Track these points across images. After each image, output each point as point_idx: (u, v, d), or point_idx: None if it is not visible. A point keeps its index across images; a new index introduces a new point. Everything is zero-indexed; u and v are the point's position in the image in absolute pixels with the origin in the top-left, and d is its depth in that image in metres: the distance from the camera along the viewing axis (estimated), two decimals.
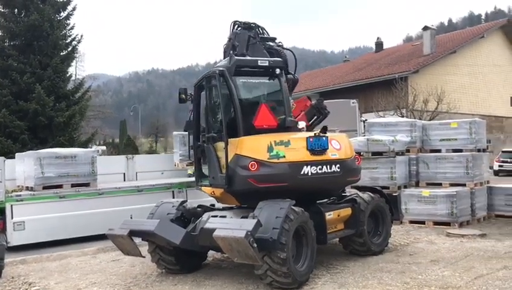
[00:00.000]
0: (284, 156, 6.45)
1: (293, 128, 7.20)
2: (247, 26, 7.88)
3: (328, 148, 6.78)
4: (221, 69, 6.93)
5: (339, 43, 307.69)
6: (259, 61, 7.24)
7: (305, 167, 6.53)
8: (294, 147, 6.56)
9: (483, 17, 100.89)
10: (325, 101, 8.94)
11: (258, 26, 7.97)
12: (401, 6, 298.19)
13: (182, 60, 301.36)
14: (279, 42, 7.97)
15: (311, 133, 6.85)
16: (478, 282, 6.09)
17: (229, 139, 6.67)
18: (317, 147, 6.70)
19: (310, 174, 6.55)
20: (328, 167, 6.73)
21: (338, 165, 6.82)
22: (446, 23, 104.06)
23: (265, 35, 8.01)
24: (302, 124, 7.71)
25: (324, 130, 6.93)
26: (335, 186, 7.18)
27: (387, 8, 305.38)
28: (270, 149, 6.45)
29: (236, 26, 7.97)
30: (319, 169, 6.64)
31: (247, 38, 7.77)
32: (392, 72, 30.55)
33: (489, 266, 6.90)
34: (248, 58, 7.50)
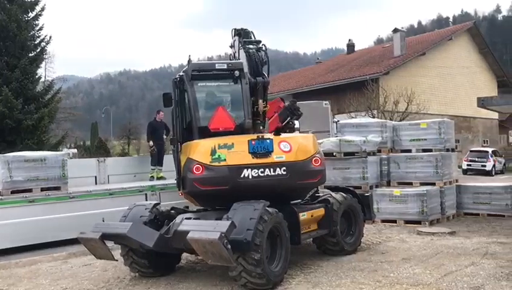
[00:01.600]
0: (225, 160, 6.50)
1: (255, 129, 7.21)
2: (238, 32, 8.02)
3: (272, 150, 6.65)
4: (181, 74, 7.16)
5: (312, 45, 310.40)
6: (216, 65, 7.30)
7: (245, 170, 6.49)
8: (236, 150, 6.56)
9: (451, 19, 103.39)
10: (298, 103, 9.01)
11: (247, 32, 8.05)
12: (372, 9, 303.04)
13: (154, 61, 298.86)
14: (261, 45, 7.94)
15: (254, 136, 6.76)
16: (447, 279, 6.24)
17: (186, 143, 6.91)
18: (260, 149, 6.61)
19: (250, 177, 6.49)
20: (272, 170, 6.57)
21: (284, 168, 6.61)
22: (416, 26, 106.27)
23: (250, 39, 8.04)
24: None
25: (278, 132, 6.91)
26: (283, 189, 6.72)
27: (358, 11, 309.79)
28: (213, 152, 6.52)
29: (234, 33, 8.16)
30: (261, 172, 6.53)
31: (237, 43, 7.93)
32: (364, 73, 31.00)
33: (458, 262, 7.07)
34: (205, 62, 7.64)
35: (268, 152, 6.62)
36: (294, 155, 6.74)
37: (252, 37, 8.09)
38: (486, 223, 10.68)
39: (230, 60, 8.22)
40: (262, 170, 6.52)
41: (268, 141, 6.66)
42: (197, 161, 6.53)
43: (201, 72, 7.24)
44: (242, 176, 6.47)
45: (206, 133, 6.94)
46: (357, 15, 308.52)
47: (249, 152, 6.57)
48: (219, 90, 7.55)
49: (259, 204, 6.08)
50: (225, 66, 7.23)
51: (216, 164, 6.49)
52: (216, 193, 6.54)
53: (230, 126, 7.01)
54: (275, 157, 6.62)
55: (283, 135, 6.97)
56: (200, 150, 6.63)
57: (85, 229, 6.72)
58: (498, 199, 11.42)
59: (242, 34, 8.01)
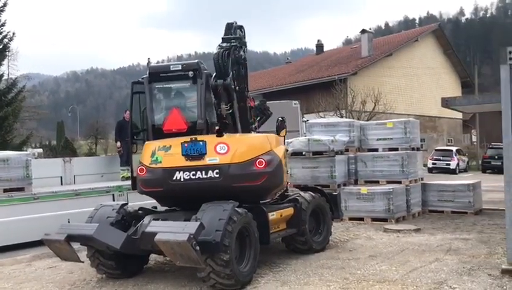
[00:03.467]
0: (161, 162, 6.57)
1: (211, 131, 7.11)
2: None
3: (205, 153, 6.54)
4: (144, 76, 7.28)
5: (281, 45, 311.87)
6: (171, 66, 7.29)
7: (177, 172, 6.49)
8: (172, 152, 6.59)
9: (417, 21, 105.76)
10: (267, 102, 9.03)
11: (230, 28, 7.72)
12: (340, 10, 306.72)
13: (122, 59, 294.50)
14: (235, 43, 7.50)
15: (188, 138, 6.67)
16: (412, 275, 6.39)
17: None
18: (193, 152, 6.53)
19: (182, 179, 6.47)
20: (204, 172, 6.47)
21: (217, 171, 6.47)
22: (383, 27, 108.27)
23: (228, 36, 7.64)
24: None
25: (220, 133, 6.87)
26: (217, 192, 6.38)
27: (327, 12, 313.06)
28: (152, 155, 6.63)
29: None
30: (193, 175, 6.47)
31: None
32: (332, 73, 31.43)
33: (422, 259, 7.25)
34: (162, 64, 7.70)
35: (201, 154, 6.51)
36: (230, 157, 6.51)
37: (233, 33, 7.68)
38: (450, 220, 10.97)
39: None
40: (194, 172, 6.47)
41: (201, 143, 6.56)
42: (141, 163, 6.72)
43: (158, 74, 7.24)
44: (174, 178, 6.49)
45: (161, 134, 6.99)
46: (326, 16, 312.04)
47: (182, 154, 6.55)
48: (175, 92, 7.50)
49: (229, 205, 6.06)
50: (180, 67, 7.19)
51: (153, 166, 6.60)
52: (155, 194, 6.79)
53: (183, 127, 6.98)
54: (207, 160, 6.50)
55: (225, 136, 6.76)
56: (146, 152, 6.77)
57: (50, 230, 6.57)
58: (461, 197, 11.73)
59: (225, 30, 7.74)
